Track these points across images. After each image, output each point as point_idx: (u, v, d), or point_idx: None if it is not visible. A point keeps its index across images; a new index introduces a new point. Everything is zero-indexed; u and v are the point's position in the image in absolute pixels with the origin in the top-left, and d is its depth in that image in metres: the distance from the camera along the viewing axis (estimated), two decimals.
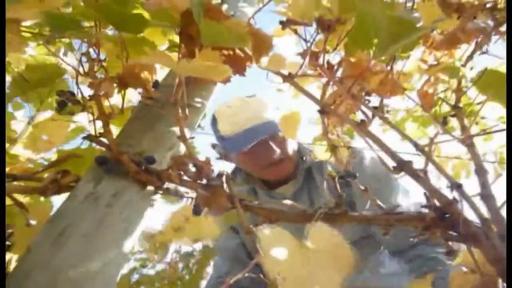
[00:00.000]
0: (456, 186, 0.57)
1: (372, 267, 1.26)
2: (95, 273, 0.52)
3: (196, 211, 0.79)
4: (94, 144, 0.77)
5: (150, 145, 0.69)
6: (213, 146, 1.46)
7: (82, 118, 0.90)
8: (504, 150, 1.20)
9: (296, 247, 0.50)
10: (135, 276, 3.50)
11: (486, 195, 0.67)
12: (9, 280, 0.49)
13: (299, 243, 0.51)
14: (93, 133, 0.67)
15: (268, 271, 0.48)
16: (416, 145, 0.64)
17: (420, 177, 0.61)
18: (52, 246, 0.51)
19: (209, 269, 3.75)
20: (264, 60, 0.72)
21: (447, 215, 0.58)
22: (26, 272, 0.49)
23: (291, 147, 1.35)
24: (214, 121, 1.37)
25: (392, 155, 0.64)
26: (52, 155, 0.85)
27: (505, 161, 1.35)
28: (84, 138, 0.65)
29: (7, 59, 0.84)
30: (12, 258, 0.69)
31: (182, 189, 0.66)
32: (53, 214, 0.57)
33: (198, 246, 3.54)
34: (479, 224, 0.55)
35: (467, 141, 0.84)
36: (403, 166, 0.63)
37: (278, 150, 1.30)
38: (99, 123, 0.67)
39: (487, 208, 0.63)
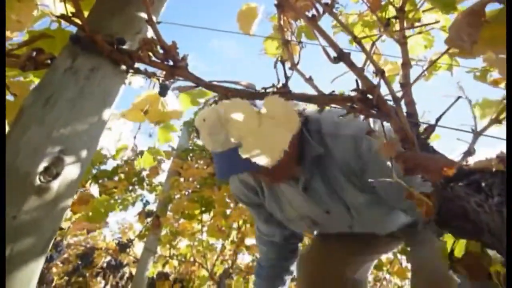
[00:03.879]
0: (380, 72, 0.70)
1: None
2: (82, 132, 0.62)
3: (162, 92, 0.89)
4: (64, 26, 0.81)
5: (120, 28, 0.75)
6: None
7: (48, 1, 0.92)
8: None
9: (252, 113, 0.63)
10: (94, 171, 3.67)
11: (405, 84, 0.82)
12: (7, 136, 0.59)
13: (254, 110, 0.64)
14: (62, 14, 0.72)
15: (232, 134, 0.61)
16: (355, 37, 0.76)
17: (354, 65, 0.74)
18: (43, 108, 0.60)
19: (164, 165, 3.96)
20: None
21: (369, 96, 0.72)
22: (23, 128, 0.58)
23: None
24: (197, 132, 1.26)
25: (334, 46, 0.76)
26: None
27: (436, 67, 1.53)
28: (58, 17, 0.70)
29: None
30: None
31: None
32: (37, 84, 0.65)
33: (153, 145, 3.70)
34: (392, 104, 0.70)
35: (402, 41, 0.98)
36: (342, 56, 0.74)
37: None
38: (63, 6, 0.71)
39: (403, 93, 0.79)
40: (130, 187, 3.66)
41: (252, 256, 3.48)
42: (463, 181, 0.59)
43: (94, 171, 3.39)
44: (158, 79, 0.80)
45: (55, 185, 0.61)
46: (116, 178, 3.71)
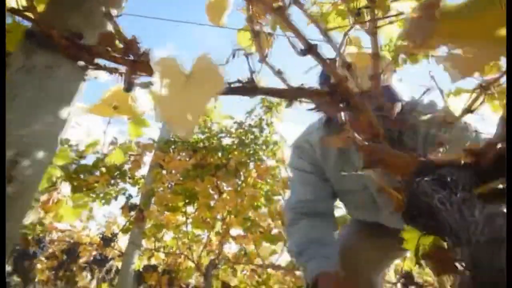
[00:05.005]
0: (347, 65, 0.69)
1: None
2: (39, 133, 0.59)
3: (127, 88, 0.86)
4: (21, 20, 0.77)
5: (78, 22, 0.72)
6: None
7: None
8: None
9: (179, 74, 0.57)
10: (73, 166, 3.60)
11: (374, 76, 0.81)
12: None
13: (183, 72, 0.58)
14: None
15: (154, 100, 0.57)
16: (323, 29, 0.74)
17: (322, 58, 0.72)
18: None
19: (146, 158, 3.91)
20: None
21: (339, 90, 0.71)
22: None
23: None
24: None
25: (302, 38, 0.74)
26: None
27: (413, 58, 1.52)
28: (8, 10, 0.66)
29: None
30: None
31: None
32: None
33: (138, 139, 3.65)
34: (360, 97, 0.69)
35: (373, 31, 0.96)
36: (310, 48, 0.73)
37: None
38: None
39: (371, 85, 0.78)
40: (112, 181, 3.61)
41: (239, 246, 3.49)
42: (430, 176, 0.58)
43: (74, 167, 3.33)
44: (121, 74, 0.77)
45: (10, 189, 0.58)
46: (97, 173, 3.66)
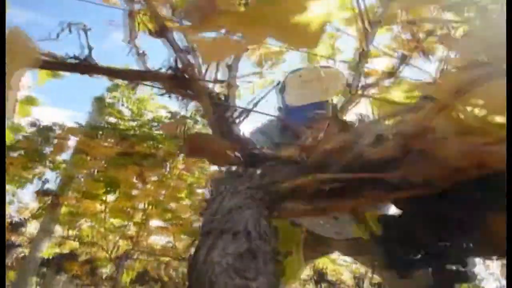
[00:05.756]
0: (191, 50, 0.69)
1: None
2: None
3: None
4: None
5: None
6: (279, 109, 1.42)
7: None
8: None
9: None
10: None
11: (231, 67, 0.82)
12: None
13: None
14: None
15: None
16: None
17: (174, 42, 0.72)
18: None
19: (71, 143, 3.74)
20: None
21: (185, 76, 0.71)
22: None
23: None
24: (282, 89, 1.31)
25: (157, 19, 0.73)
26: None
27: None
28: None
29: None
30: None
31: None
32: None
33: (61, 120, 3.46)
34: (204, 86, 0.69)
35: None
36: (163, 31, 0.72)
37: None
38: None
39: (229, 75, 0.78)
40: (30, 164, 3.40)
41: (157, 237, 3.44)
42: (256, 167, 0.60)
43: None
44: None
45: None
46: (15, 155, 3.43)
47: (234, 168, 0.59)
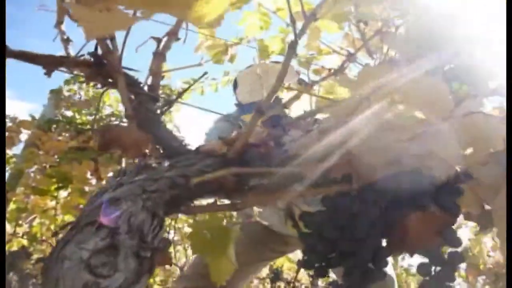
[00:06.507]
0: (110, 38, 0.64)
1: None
2: None
3: None
4: None
5: None
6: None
7: None
8: None
9: None
10: None
11: (159, 54, 0.78)
12: None
13: None
14: None
15: None
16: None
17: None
18: None
19: (23, 136, 3.56)
20: None
21: (105, 63, 0.66)
22: None
23: None
24: (235, 85, 1.33)
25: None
26: None
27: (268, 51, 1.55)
28: None
29: None
30: None
31: None
32: None
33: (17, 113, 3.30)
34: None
35: None
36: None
37: None
38: None
39: (151, 63, 0.74)
40: None
41: None
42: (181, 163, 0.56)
43: None
44: None
45: None
46: None
47: (151, 161, 0.56)
